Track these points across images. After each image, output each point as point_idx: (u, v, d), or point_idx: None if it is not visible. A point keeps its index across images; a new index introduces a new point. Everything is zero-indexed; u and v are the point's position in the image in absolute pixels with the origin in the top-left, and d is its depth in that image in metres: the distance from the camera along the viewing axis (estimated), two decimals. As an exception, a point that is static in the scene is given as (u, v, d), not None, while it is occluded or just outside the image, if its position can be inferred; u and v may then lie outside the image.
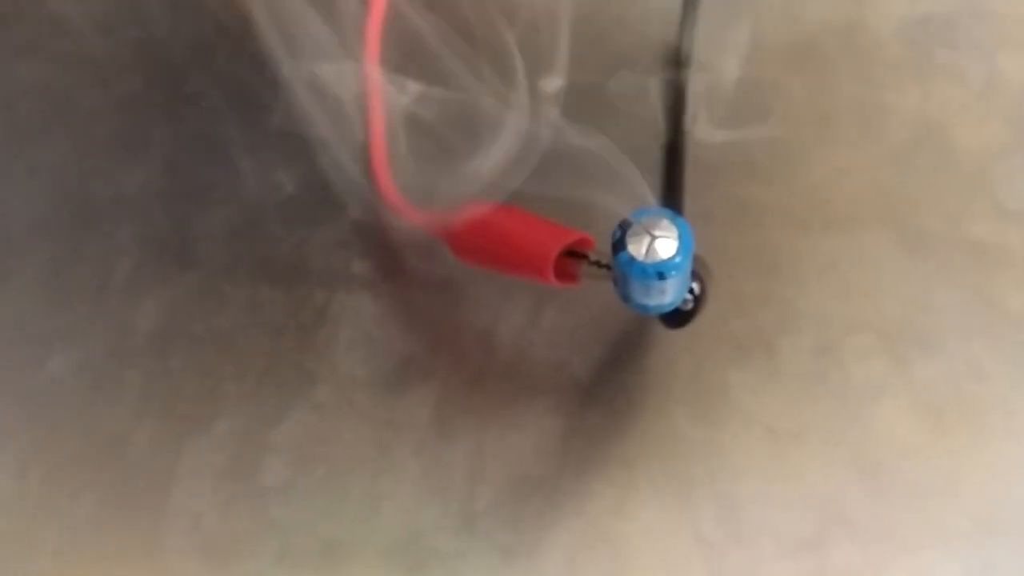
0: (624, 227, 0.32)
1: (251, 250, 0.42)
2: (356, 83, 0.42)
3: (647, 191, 0.35)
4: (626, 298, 0.33)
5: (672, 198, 0.41)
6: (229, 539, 0.37)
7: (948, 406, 0.38)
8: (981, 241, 0.40)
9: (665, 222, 0.31)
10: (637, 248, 0.31)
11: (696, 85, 0.43)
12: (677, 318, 0.35)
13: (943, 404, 0.38)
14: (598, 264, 0.34)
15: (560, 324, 0.40)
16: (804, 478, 0.37)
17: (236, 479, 0.38)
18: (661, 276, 0.31)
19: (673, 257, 0.31)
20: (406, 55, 0.43)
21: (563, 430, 0.38)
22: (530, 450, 0.38)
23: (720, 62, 0.44)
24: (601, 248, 0.34)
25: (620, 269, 0.32)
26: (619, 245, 0.31)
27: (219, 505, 0.38)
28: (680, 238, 0.31)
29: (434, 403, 0.39)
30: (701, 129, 0.43)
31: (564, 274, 0.35)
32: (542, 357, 0.39)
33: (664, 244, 0.31)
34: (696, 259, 0.34)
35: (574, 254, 0.35)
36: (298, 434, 0.39)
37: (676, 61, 0.44)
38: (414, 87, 0.41)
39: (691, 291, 0.34)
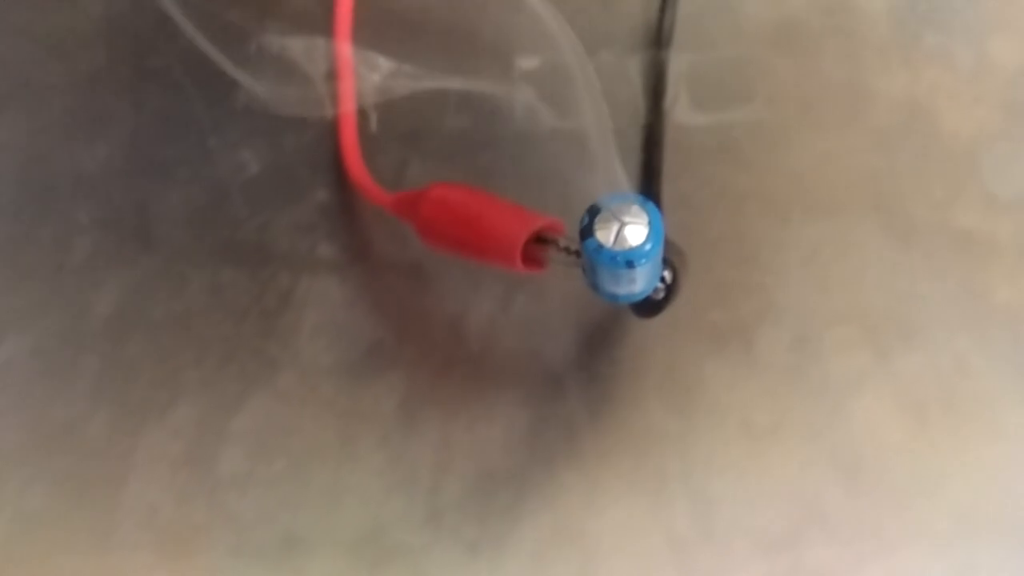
0: (592, 213, 0.30)
1: (214, 231, 0.41)
2: (327, 60, 0.41)
3: (622, 174, 0.33)
4: (595, 286, 0.32)
5: (650, 182, 0.40)
6: (185, 531, 0.36)
7: (931, 401, 0.37)
8: (969, 231, 0.39)
9: (635, 208, 0.30)
10: (605, 235, 0.30)
11: (677, 65, 0.42)
12: (648, 307, 0.34)
13: (926, 399, 0.37)
14: (567, 250, 0.32)
15: (532, 312, 0.39)
16: (780, 474, 0.36)
17: (193, 468, 0.37)
18: (630, 264, 0.30)
19: (643, 245, 0.30)
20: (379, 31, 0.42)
21: (533, 422, 0.37)
22: (498, 442, 0.37)
23: (702, 42, 0.43)
24: (571, 234, 0.33)
25: (588, 256, 0.30)
26: (587, 231, 0.30)
27: (175, 495, 0.37)
28: (650, 225, 0.30)
29: (400, 392, 0.38)
30: (681, 111, 0.42)
31: (533, 260, 0.34)
32: (512, 346, 0.38)
33: (633, 231, 0.30)
34: (670, 246, 0.33)
35: (543, 240, 0.33)
36: (258, 423, 0.38)
37: (656, 40, 0.43)
38: (386, 64, 0.40)
39: (662, 279, 0.33)
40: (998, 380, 0.37)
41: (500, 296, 0.39)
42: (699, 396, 0.37)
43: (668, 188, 0.40)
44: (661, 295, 0.34)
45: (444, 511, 0.36)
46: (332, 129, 0.41)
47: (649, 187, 0.40)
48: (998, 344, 0.37)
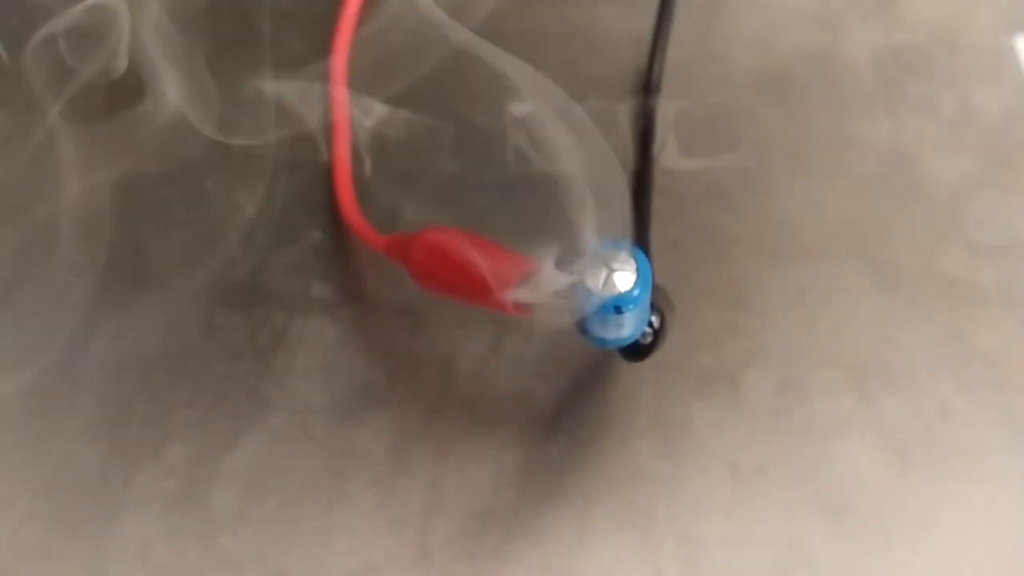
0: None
1: (209, 272, 0.41)
2: (322, 104, 0.42)
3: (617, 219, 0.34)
4: (584, 331, 0.32)
5: (639, 226, 0.41)
6: (177, 569, 0.36)
7: (914, 445, 0.37)
8: (952, 276, 0.40)
9: (623, 255, 0.31)
10: (594, 281, 0.31)
11: (665, 112, 0.43)
12: (636, 351, 0.35)
13: (909, 442, 0.37)
14: (556, 295, 0.33)
15: (522, 353, 0.39)
16: (766, 515, 0.36)
17: (186, 507, 0.37)
18: (618, 310, 0.30)
19: (631, 290, 0.30)
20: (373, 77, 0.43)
21: (523, 462, 0.38)
22: (488, 482, 0.37)
23: (690, 89, 0.44)
24: (561, 278, 0.33)
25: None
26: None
27: (168, 534, 0.37)
28: (638, 271, 0.31)
29: (392, 432, 0.38)
30: (670, 157, 0.42)
31: (522, 303, 0.34)
32: (503, 387, 0.39)
33: (622, 277, 0.31)
34: (658, 291, 0.34)
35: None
36: (251, 462, 0.38)
37: (646, 87, 0.43)
38: (380, 109, 0.41)
39: (650, 324, 0.34)
40: (981, 424, 0.37)
41: (491, 338, 0.39)
42: (686, 438, 0.37)
43: (656, 232, 0.41)
44: (649, 340, 0.34)
45: (434, 550, 0.36)
46: (327, 172, 0.42)
47: (638, 231, 0.40)
48: (981, 388, 0.38)
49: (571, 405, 0.38)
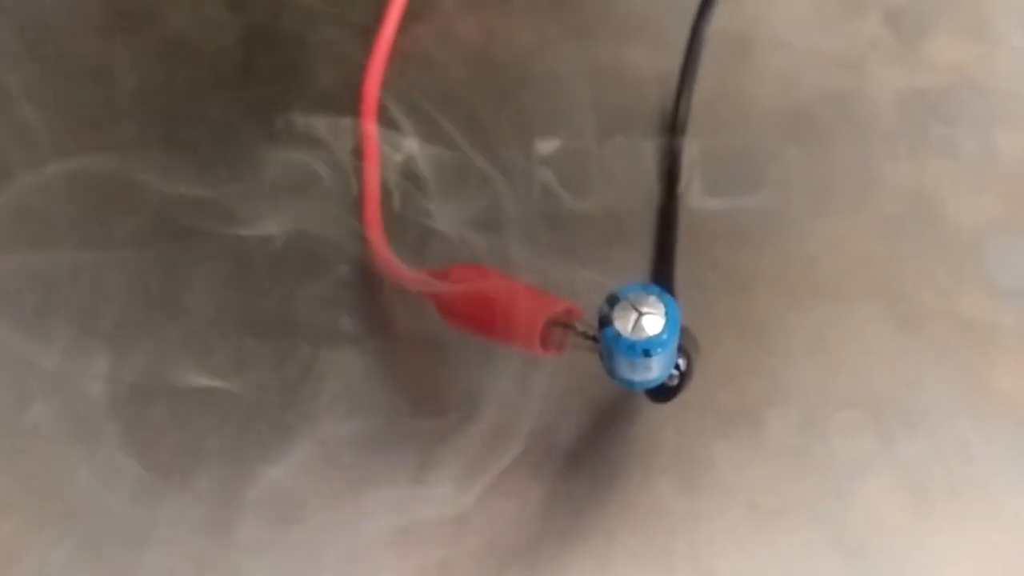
0: (611, 302, 0.31)
1: (238, 302, 0.41)
2: (351, 138, 0.42)
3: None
4: (611, 372, 0.33)
5: (663, 264, 0.41)
6: (202, 597, 0.37)
7: (933, 486, 0.37)
8: (972, 318, 0.40)
9: (652, 298, 0.31)
10: (623, 324, 0.31)
11: (690, 151, 0.43)
12: (662, 393, 0.35)
13: (928, 483, 0.37)
14: (584, 336, 0.33)
15: (546, 389, 0.39)
16: (786, 555, 0.37)
17: (212, 535, 0.38)
18: (647, 353, 0.31)
19: (659, 334, 0.31)
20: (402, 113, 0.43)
21: (544, 497, 0.38)
22: (510, 517, 0.38)
23: (715, 129, 0.44)
24: (588, 319, 0.34)
25: (606, 344, 0.31)
26: (605, 320, 0.31)
27: (194, 561, 0.37)
28: (667, 315, 0.31)
29: (415, 465, 0.38)
30: (694, 195, 0.43)
31: (550, 343, 0.34)
32: (526, 422, 0.39)
33: (651, 321, 0.31)
34: (683, 332, 0.34)
35: (560, 323, 0.34)
36: (276, 491, 0.38)
37: (671, 126, 0.44)
38: (409, 144, 0.41)
39: (677, 367, 0.34)
40: (1000, 465, 0.38)
41: (515, 372, 0.39)
42: (707, 476, 0.38)
43: (680, 270, 0.41)
44: (675, 382, 0.35)
45: (456, 584, 0.37)
46: (356, 205, 0.42)
47: (662, 269, 0.41)
48: (1000, 430, 0.38)
49: (593, 442, 0.39)
